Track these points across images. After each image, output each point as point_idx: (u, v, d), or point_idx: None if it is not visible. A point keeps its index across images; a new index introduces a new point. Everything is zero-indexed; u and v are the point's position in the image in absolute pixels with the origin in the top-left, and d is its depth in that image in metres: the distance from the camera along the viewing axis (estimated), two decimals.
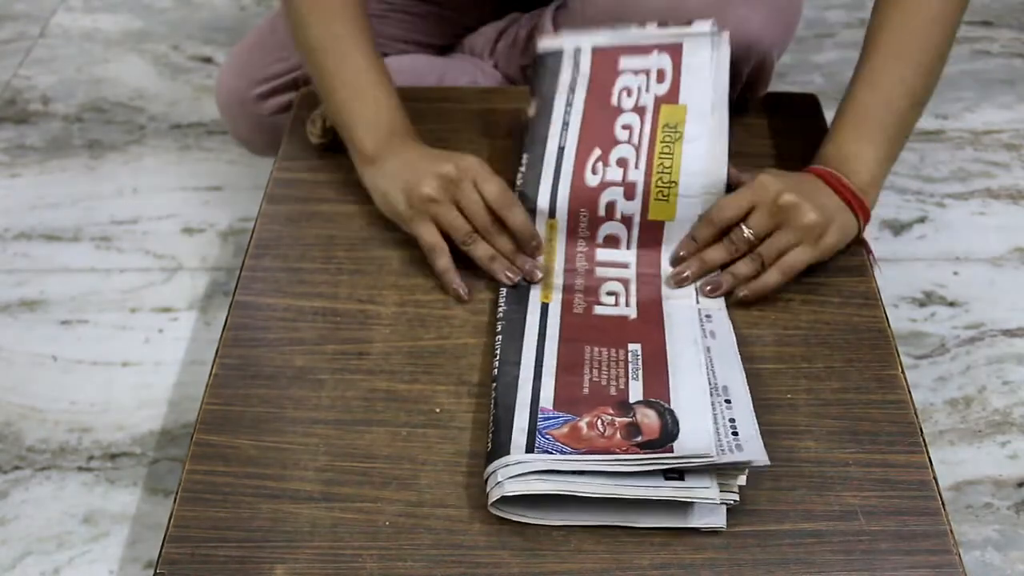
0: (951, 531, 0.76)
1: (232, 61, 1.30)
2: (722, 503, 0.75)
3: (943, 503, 0.78)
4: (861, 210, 0.94)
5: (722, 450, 0.76)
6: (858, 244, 0.96)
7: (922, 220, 1.50)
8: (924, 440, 0.82)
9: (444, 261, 0.93)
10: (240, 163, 1.62)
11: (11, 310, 1.40)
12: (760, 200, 0.91)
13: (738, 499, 0.75)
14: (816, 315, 0.91)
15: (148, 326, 1.37)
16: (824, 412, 0.84)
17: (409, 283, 0.95)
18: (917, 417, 0.84)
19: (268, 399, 0.85)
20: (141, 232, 1.51)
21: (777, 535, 0.76)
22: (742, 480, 0.75)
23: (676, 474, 0.76)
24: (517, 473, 0.75)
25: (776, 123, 1.11)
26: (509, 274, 0.92)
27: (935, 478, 0.79)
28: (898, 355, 0.88)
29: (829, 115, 1.01)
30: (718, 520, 0.76)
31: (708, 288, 0.92)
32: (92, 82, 1.80)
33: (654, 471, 0.75)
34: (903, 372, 0.87)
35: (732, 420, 0.80)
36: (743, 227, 0.91)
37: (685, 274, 0.92)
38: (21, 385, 1.30)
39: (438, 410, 0.84)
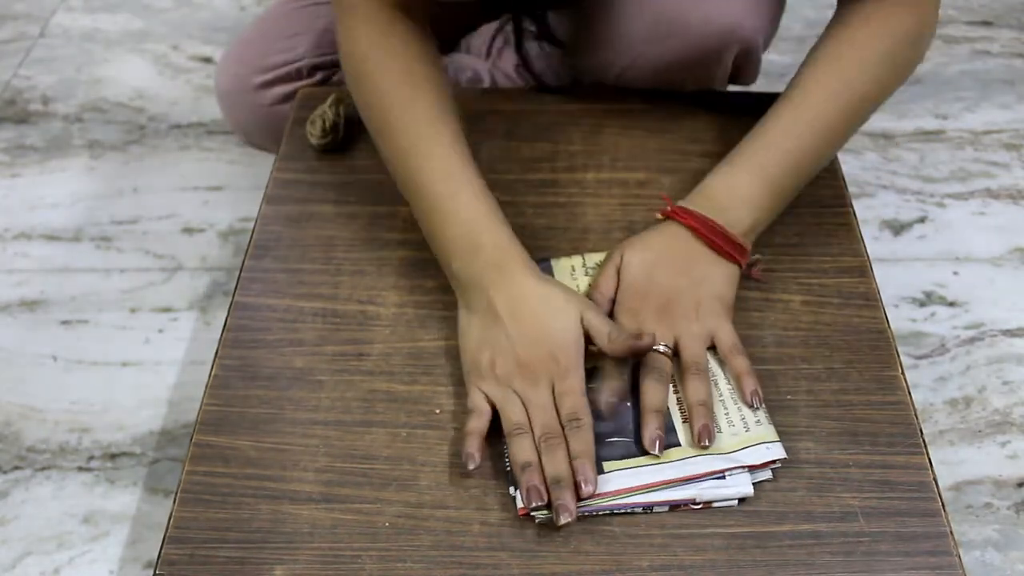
0: (951, 532, 0.76)
1: (234, 50, 1.30)
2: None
3: (943, 504, 0.78)
4: (741, 256, 0.90)
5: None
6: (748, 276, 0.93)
7: (922, 220, 1.50)
8: (924, 441, 0.82)
9: (478, 425, 0.82)
10: (240, 163, 1.61)
11: (11, 310, 1.40)
12: (637, 305, 0.88)
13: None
14: (816, 316, 0.91)
15: (148, 326, 1.37)
16: (824, 413, 0.84)
17: (409, 284, 0.95)
18: (917, 418, 0.84)
19: (268, 400, 0.85)
20: (141, 232, 1.51)
21: (777, 536, 0.76)
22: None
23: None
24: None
25: None
26: (535, 500, 0.76)
27: (935, 479, 0.79)
28: (898, 356, 0.88)
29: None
30: (746, 488, 0.78)
31: (701, 437, 0.81)
32: (92, 82, 1.80)
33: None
34: (903, 373, 0.87)
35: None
36: (654, 347, 0.85)
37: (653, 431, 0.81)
38: (21, 385, 1.30)
39: (438, 411, 0.84)
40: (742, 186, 0.92)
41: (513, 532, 0.76)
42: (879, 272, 0.98)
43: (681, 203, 0.92)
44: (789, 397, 0.85)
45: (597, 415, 0.82)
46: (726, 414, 0.83)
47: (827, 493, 0.78)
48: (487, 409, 0.82)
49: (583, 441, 0.79)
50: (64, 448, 1.23)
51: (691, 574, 0.74)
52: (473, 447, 0.80)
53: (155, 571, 0.75)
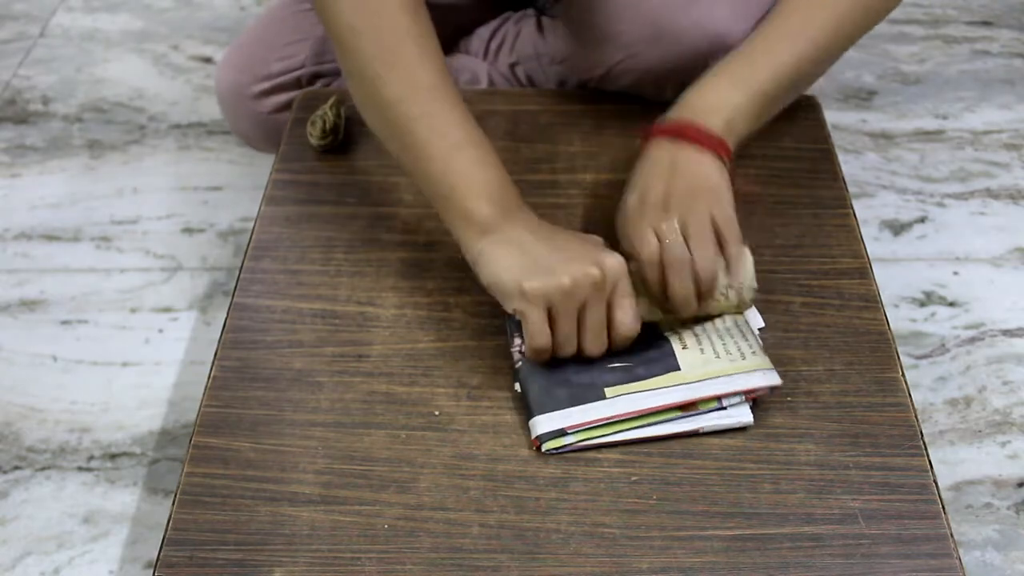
0: (951, 535, 0.76)
1: (232, 55, 1.29)
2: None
3: (943, 506, 0.78)
4: (722, 150, 0.92)
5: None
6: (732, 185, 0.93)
7: (922, 220, 1.50)
8: (924, 443, 0.82)
9: (543, 346, 0.84)
10: (240, 163, 1.61)
11: (11, 310, 1.40)
12: (651, 219, 0.89)
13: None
14: (816, 318, 0.91)
15: (148, 326, 1.37)
16: (824, 415, 0.84)
17: (408, 285, 0.95)
18: (917, 420, 0.83)
19: (267, 401, 0.85)
20: (141, 232, 1.51)
21: (777, 538, 0.76)
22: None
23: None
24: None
25: (775, 124, 1.11)
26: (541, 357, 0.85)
27: (935, 481, 0.79)
28: (898, 358, 0.88)
29: (829, 116, 1.01)
30: (746, 416, 0.83)
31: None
32: (92, 82, 1.80)
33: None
34: (903, 375, 0.87)
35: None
36: (665, 239, 0.88)
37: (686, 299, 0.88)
38: (21, 385, 1.30)
39: (437, 413, 0.84)
40: (713, 90, 0.95)
41: (513, 534, 0.76)
42: (879, 272, 0.98)
43: (657, 121, 0.95)
44: (789, 399, 0.85)
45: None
46: (723, 344, 0.86)
47: (827, 495, 0.78)
48: (550, 346, 0.84)
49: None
50: (64, 448, 1.23)
51: None
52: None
53: (154, 573, 0.75)
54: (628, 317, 0.84)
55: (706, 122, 0.92)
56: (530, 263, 0.83)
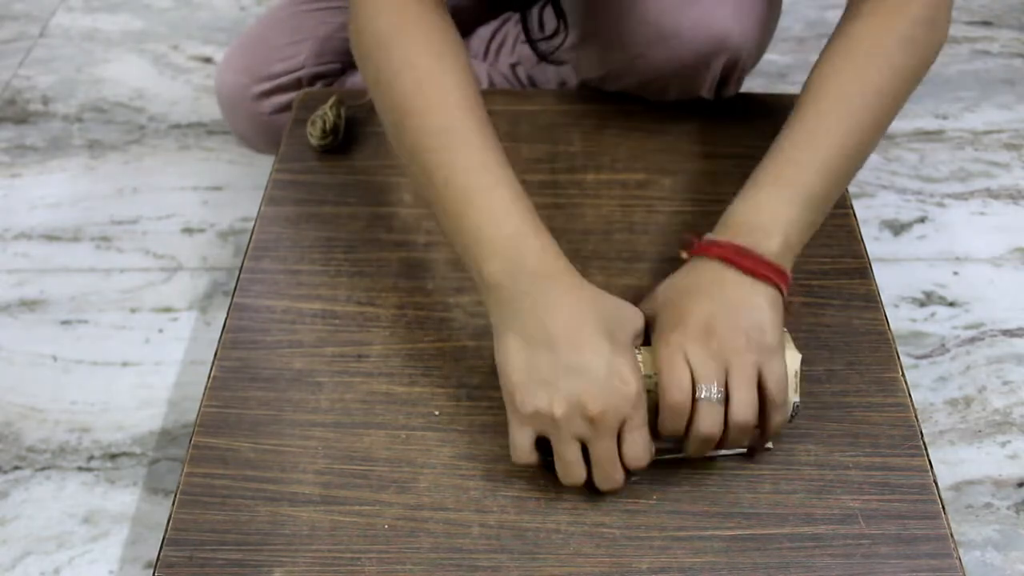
0: (951, 535, 0.76)
1: (232, 56, 1.29)
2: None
3: (943, 507, 0.78)
4: (779, 278, 0.80)
5: None
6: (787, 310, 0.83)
7: (922, 220, 1.50)
8: (924, 443, 0.82)
9: (527, 462, 0.78)
10: (240, 163, 1.61)
11: (11, 310, 1.40)
12: (677, 335, 0.78)
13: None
14: (816, 318, 0.91)
15: (148, 326, 1.37)
16: (824, 415, 0.83)
17: (408, 285, 0.94)
18: (917, 420, 0.83)
19: (267, 401, 0.85)
20: (141, 232, 1.51)
21: (777, 538, 0.76)
22: None
23: None
24: None
25: (777, 125, 1.11)
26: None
27: (935, 481, 0.79)
28: (898, 358, 0.88)
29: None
30: None
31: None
32: (92, 82, 1.80)
33: None
34: (903, 375, 0.87)
35: None
36: (702, 389, 0.76)
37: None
38: (21, 385, 1.30)
39: (437, 413, 0.84)
40: (766, 204, 0.83)
41: (513, 534, 0.76)
42: (879, 272, 0.98)
43: (707, 236, 0.84)
44: None
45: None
46: None
47: (827, 495, 0.78)
48: (534, 458, 0.77)
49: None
50: (64, 448, 1.23)
51: None
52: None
53: (154, 573, 0.75)
54: (638, 451, 0.76)
55: (759, 246, 0.80)
56: (531, 369, 0.75)
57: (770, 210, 0.82)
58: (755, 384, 0.76)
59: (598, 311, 0.77)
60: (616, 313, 0.78)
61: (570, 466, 0.76)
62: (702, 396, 0.75)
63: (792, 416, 0.79)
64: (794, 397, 0.78)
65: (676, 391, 0.75)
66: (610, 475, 0.76)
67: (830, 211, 0.87)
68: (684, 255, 0.84)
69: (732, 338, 0.76)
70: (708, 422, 0.75)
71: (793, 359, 0.79)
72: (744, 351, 0.76)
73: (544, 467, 0.78)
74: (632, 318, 0.79)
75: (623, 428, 0.75)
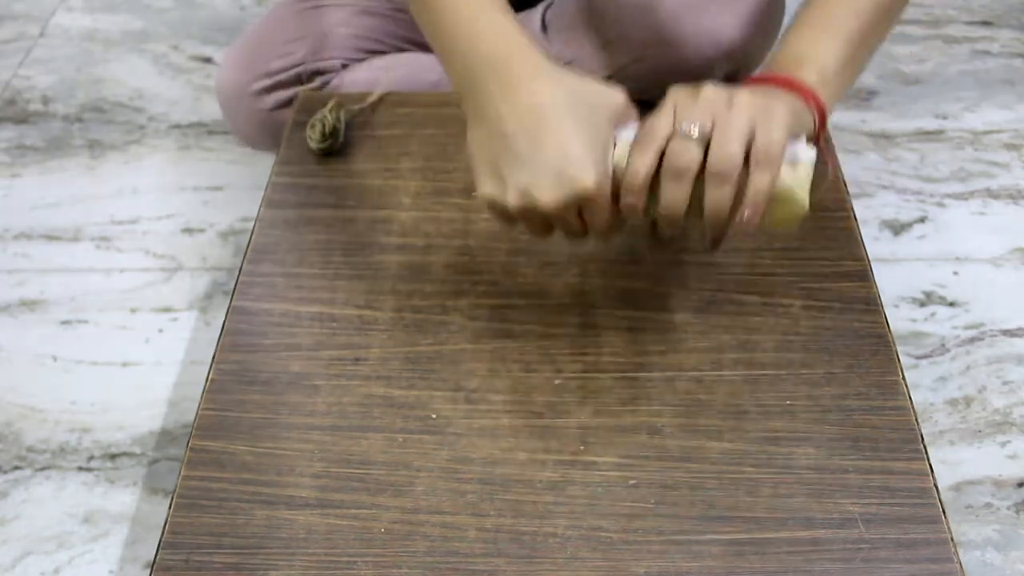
0: (952, 539, 0.76)
1: (233, 54, 1.30)
2: None
3: (944, 511, 0.78)
4: (813, 100, 0.78)
5: None
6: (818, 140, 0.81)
7: (922, 220, 1.50)
8: (925, 447, 0.82)
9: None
10: (240, 163, 1.61)
11: (11, 310, 1.40)
12: (681, 99, 0.74)
13: None
14: (816, 321, 0.91)
15: (148, 326, 1.37)
16: (824, 419, 0.83)
17: (407, 288, 0.94)
18: (918, 423, 0.83)
19: (264, 405, 0.85)
20: (141, 232, 1.51)
21: (775, 543, 0.76)
22: None
23: None
24: None
25: None
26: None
27: (936, 485, 0.79)
28: (899, 361, 0.88)
29: (830, 116, 1.00)
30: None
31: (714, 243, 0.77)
32: (92, 82, 1.80)
33: None
34: (904, 378, 0.86)
35: None
36: (681, 125, 0.72)
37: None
38: (21, 385, 1.30)
39: (434, 416, 0.84)
40: (799, 40, 0.82)
41: (510, 538, 0.76)
42: (879, 272, 0.98)
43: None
44: (789, 402, 0.84)
45: None
46: None
47: (827, 499, 0.78)
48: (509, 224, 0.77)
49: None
50: (64, 448, 1.23)
51: None
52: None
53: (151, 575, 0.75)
54: (601, 231, 0.75)
55: (795, 74, 0.79)
56: (488, 160, 0.74)
57: (804, 45, 0.81)
58: (743, 136, 0.72)
59: (562, 94, 0.73)
60: (585, 93, 0.75)
61: (538, 236, 0.77)
62: (680, 130, 0.72)
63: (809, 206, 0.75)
64: (804, 197, 0.75)
65: (649, 128, 0.73)
66: (573, 238, 0.76)
67: (827, 215, 0.85)
68: None
69: (732, 97, 0.73)
70: (680, 152, 0.71)
71: (808, 153, 0.75)
72: (739, 109, 0.72)
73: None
74: (607, 95, 0.75)
75: (584, 212, 0.74)
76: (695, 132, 0.71)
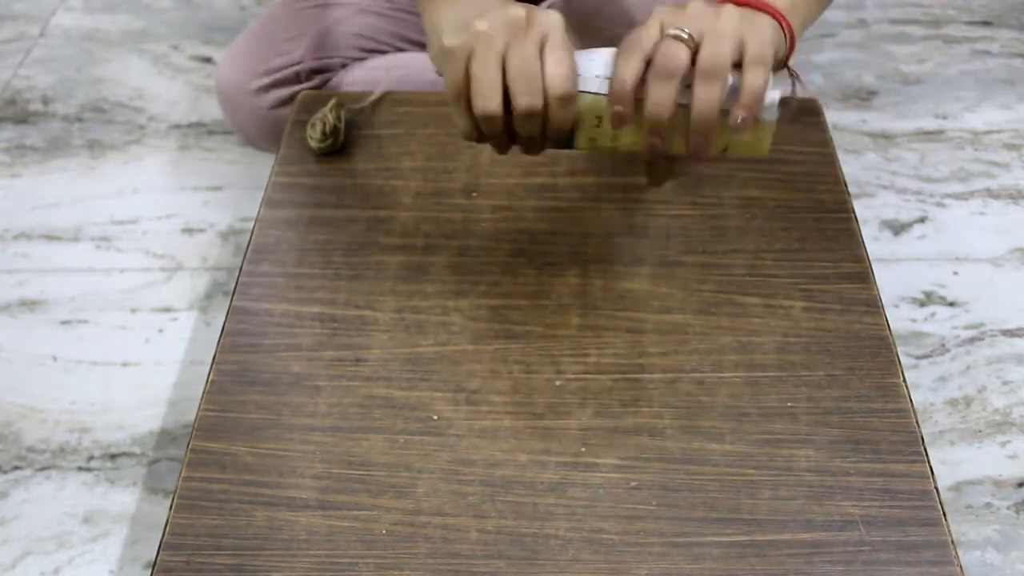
0: (952, 541, 0.76)
1: (232, 52, 1.30)
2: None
3: (944, 513, 0.78)
4: (786, 23, 0.78)
5: None
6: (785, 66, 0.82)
7: (922, 220, 1.50)
8: (925, 449, 0.82)
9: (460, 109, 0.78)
10: (240, 163, 1.61)
11: (11, 310, 1.39)
12: (668, 13, 0.75)
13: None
14: (817, 323, 0.91)
15: (148, 326, 1.37)
16: (825, 420, 0.83)
17: (407, 289, 0.94)
18: (918, 425, 0.83)
19: (265, 405, 0.85)
20: (141, 232, 1.50)
21: (776, 545, 0.76)
22: None
23: None
24: None
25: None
26: (499, 152, 0.79)
27: (936, 487, 0.79)
28: (899, 363, 0.88)
29: (829, 116, 1.00)
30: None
31: (699, 144, 0.75)
32: (92, 82, 1.80)
33: None
34: (904, 380, 0.86)
35: None
36: (669, 30, 0.73)
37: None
38: (21, 385, 1.30)
39: (435, 417, 0.84)
40: None
41: (511, 540, 0.76)
42: (879, 272, 0.98)
43: None
44: (790, 404, 0.84)
45: None
46: None
47: (827, 501, 0.78)
48: (464, 92, 0.76)
49: (564, 119, 0.75)
50: (64, 448, 1.23)
51: None
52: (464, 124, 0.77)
53: None
54: (561, 69, 0.73)
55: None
56: (459, 18, 0.76)
57: None
58: (734, 40, 0.73)
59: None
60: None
61: (481, 83, 0.74)
62: (669, 33, 0.73)
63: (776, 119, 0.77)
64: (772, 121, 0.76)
65: (634, 37, 0.74)
66: (526, 87, 0.73)
67: (827, 216, 0.87)
68: None
69: (719, 11, 0.74)
70: (671, 53, 0.72)
71: (773, 92, 0.76)
72: (727, 20, 0.74)
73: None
74: (547, 14, 0.76)
75: (544, 48, 0.73)
76: (684, 35, 0.72)
